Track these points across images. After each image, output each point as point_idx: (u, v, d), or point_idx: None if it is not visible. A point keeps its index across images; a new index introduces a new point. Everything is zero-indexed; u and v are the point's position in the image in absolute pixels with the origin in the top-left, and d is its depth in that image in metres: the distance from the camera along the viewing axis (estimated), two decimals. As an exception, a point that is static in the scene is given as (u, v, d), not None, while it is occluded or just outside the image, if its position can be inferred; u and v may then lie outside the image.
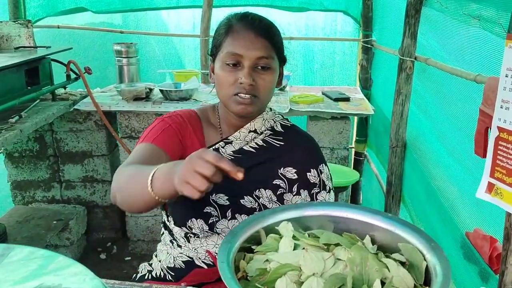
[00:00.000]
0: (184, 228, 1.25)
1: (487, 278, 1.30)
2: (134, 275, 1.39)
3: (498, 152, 1.06)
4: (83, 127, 2.96)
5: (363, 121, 3.30)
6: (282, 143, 1.32)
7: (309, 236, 0.76)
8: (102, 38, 3.40)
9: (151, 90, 2.74)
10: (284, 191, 1.28)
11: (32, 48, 2.83)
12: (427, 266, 0.69)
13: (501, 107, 1.05)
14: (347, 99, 2.79)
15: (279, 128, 1.34)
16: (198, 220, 1.22)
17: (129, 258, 2.99)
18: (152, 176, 0.92)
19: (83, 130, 2.97)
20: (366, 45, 3.21)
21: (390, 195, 2.37)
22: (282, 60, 1.31)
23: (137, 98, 2.68)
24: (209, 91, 3.01)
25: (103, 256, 3.02)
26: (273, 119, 1.35)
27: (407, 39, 2.16)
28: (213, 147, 1.27)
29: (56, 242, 2.89)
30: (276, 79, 1.28)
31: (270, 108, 1.37)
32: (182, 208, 1.25)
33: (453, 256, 1.60)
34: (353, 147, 3.42)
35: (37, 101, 2.63)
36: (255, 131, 1.30)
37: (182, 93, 2.67)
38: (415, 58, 2.17)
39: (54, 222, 2.83)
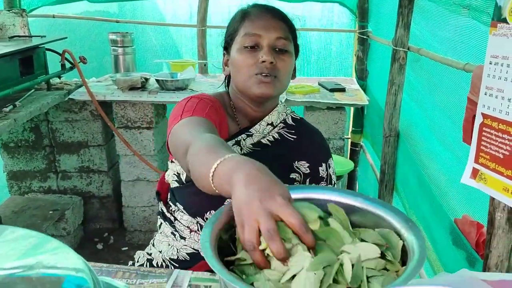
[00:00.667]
0: (199, 219, 1.23)
1: (474, 263, 1.32)
2: (131, 262, 1.36)
3: (483, 138, 1.07)
4: (79, 117, 2.97)
5: (359, 111, 3.31)
6: (295, 137, 1.32)
7: None
8: (98, 27, 3.39)
9: (147, 79, 2.74)
10: (299, 184, 1.29)
11: (27, 38, 2.83)
12: (404, 245, 0.71)
13: (485, 94, 1.06)
14: (342, 90, 2.79)
15: (290, 121, 1.35)
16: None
17: (126, 248, 3.02)
18: (215, 169, 0.78)
19: (78, 120, 2.98)
20: (362, 36, 3.21)
21: (383, 184, 2.38)
22: (296, 50, 1.30)
23: (132, 88, 2.68)
24: (205, 81, 3.02)
25: (100, 246, 3.05)
26: (285, 112, 1.36)
27: (400, 30, 2.16)
28: (235, 139, 1.25)
29: (52, 232, 2.90)
30: (293, 64, 1.27)
31: (281, 101, 1.37)
32: (201, 199, 1.19)
33: (443, 242, 1.62)
34: (349, 138, 3.43)
35: (32, 90, 2.64)
36: (272, 124, 1.30)
37: (179, 83, 2.68)
38: (408, 48, 2.18)
39: (50, 212, 2.84)
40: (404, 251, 0.70)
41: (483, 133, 1.07)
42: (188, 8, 3.31)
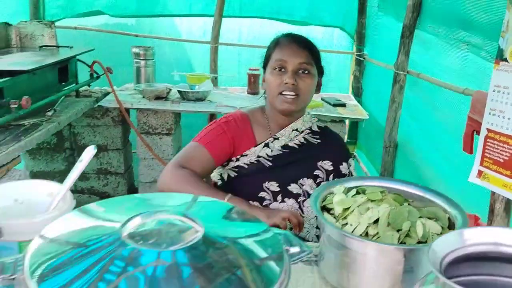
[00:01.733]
0: None
1: (472, 247, 1.66)
2: None
3: (487, 147, 1.41)
4: (100, 123, 3.20)
5: (355, 124, 3.68)
6: (319, 141, 1.63)
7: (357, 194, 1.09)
8: (115, 39, 3.63)
9: (170, 90, 3.02)
10: (322, 180, 1.60)
11: (55, 48, 3.07)
12: (449, 218, 1.03)
13: (489, 114, 1.40)
14: (343, 105, 3.14)
15: (315, 128, 1.66)
16: (254, 202, 1.52)
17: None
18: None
19: (100, 126, 3.21)
20: (359, 58, 3.59)
21: (382, 189, 2.73)
22: (321, 72, 1.63)
23: (157, 97, 2.96)
24: (219, 93, 3.32)
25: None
26: (311, 121, 1.67)
27: (402, 56, 2.53)
28: (265, 142, 1.58)
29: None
30: (315, 84, 1.59)
31: (308, 112, 1.69)
32: (241, 194, 1.51)
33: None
34: (344, 148, 3.78)
35: (63, 97, 2.87)
36: (297, 130, 1.61)
37: (199, 94, 2.97)
38: (408, 72, 2.54)
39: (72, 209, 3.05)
40: (451, 222, 1.02)
41: (487, 143, 1.41)
42: (203, 25, 3.60)
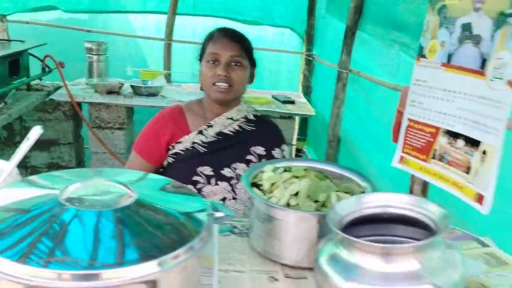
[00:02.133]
0: None
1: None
2: None
3: (407, 135, 1.56)
4: (52, 117, 3.20)
5: (304, 121, 3.83)
6: (254, 128, 1.74)
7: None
8: (68, 34, 3.63)
9: (122, 85, 3.07)
10: (255, 164, 1.71)
11: (6, 41, 3.06)
12: (363, 192, 1.16)
13: (410, 105, 1.55)
14: (292, 102, 3.28)
15: (251, 117, 1.77)
16: (188, 185, 1.60)
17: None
18: None
19: (51, 120, 3.21)
20: (308, 57, 3.75)
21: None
22: (253, 63, 1.75)
23: (110, 92, 3.00)
24: (172, 89, 3.39)
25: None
26: (246, 110, 1.78)
27: (344, 55, 2.69)
28: (198, 130, 1.68)
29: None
30: (247, 75, 1.70)
31: (245, 102, 1.80)
32: (177, 178, 1.62)
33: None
34: (294, 145, 3.93)
35: (14, 90, 2.87)
36: (231, 118, 1.72)
37: (152, 89, 3.03)
38: (350, 71, 2.70)
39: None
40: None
41: (408, 132, 1.56)
42: (157, 22, 3.66)
